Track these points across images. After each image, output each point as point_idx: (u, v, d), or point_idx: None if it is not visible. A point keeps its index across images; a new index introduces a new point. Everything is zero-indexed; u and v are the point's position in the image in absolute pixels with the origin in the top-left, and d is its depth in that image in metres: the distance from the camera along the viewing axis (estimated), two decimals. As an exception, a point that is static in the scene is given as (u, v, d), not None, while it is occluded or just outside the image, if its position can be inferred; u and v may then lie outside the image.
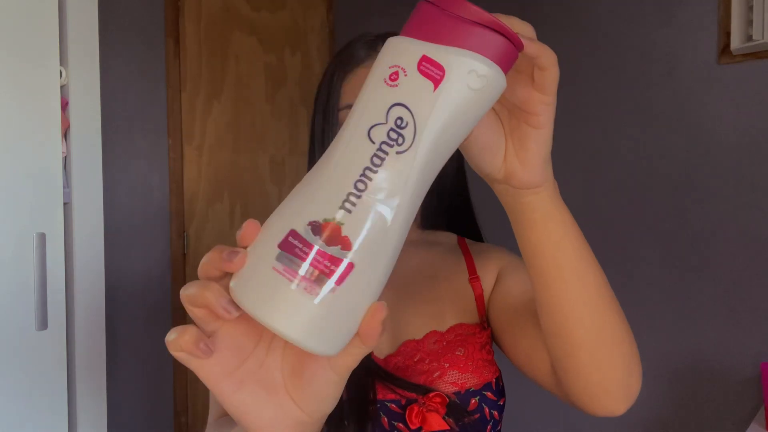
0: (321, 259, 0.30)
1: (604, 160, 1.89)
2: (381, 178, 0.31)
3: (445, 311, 0.70)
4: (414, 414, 0.63)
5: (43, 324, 1.17)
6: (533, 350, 0.61)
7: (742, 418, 1.58)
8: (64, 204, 1.25)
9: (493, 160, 0.43)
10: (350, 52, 0.70)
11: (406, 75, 0.32)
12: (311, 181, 0.33)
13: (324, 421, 0.38)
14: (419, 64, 0.32)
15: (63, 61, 1.24)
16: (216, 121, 2.32)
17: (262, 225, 0.33)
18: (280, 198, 2.47)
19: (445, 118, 0.32)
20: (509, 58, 0.34)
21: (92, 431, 1.30)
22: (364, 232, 0.31)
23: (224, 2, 2.33)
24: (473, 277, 0.72)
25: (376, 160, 0.31)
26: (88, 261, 1.29)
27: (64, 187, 1.23)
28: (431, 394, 0.63)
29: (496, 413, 0.66)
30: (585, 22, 1.92)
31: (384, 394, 0.64)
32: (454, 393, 0.65)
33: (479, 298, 0.71)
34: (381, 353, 0.68)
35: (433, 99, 0.31)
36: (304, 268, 0.30)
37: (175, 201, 2.20)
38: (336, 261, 0.30)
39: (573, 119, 1.93)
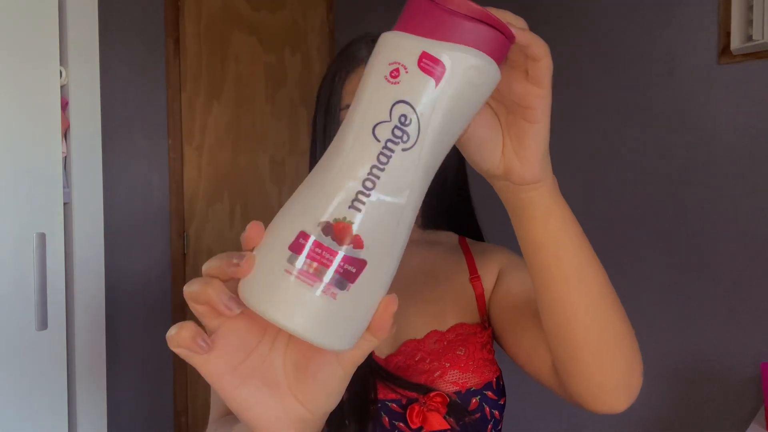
0: (335, 260, 0.30)
1: (604, 160, 1.89)
2: (388, 175, 0.31)
3: (446, 311, 0.70)
4: (415, 413, 0.63)
5: (43, 324, 1.17)
6: (534, 349, 0.61)
7: (742, 418, 1.58)
8: (64, 204, 1.25)
9: (491, 157, 0.43)
10: (352, 52, 0.70)
11: (407, 72, 0.32)
12: (316, 181, 0.33)
13: (325, 418, 0.38)
14: (419, 60, 0.32)
15: (63, 61, 1.24)
16: (216, 121, 2.32)
17: (265, 227, 0.33)
18: (280, 198, 2.48)
19: (447, 114, 0.32)
20: (503, 50, 0.34)
21: (92, 431, 1.30)
22: (375, 230, 0.31)
23: (224, 2, 2.33)
24: (474, 276, 0.72)
25: (383, 158, 0.31)
26: (88, 261, 1.29)
27: (64, 187, 1.23)
28: (432, 394, 0.63)
29: (496, 413, 0.66)
30: (585, 22, 1.92)
31: (385, 394, 0.64)
32: (454, 392, 0.65)
33: (480, 298, 0.71)
34: (382, 353, 0.68)
35: (435, 95, 0.32)
36: (320, 269, 0.30)
37: (175, 201, 2.20)
38: (350, 260, 0.31)
39: (573, 119, 1.93)
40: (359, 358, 0.35)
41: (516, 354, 0.66)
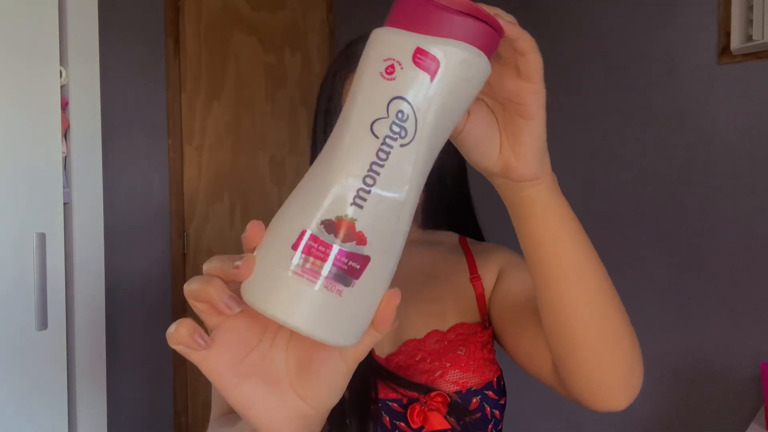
0: (340, 257, 0.31)
1: (604, 160, 1.89)
2: (388, 171, 0.32)
3: (447, 311, 0.70)
4: (415, 413, 0.63)
5: (43, 324, 1.17)
6: (535, 348, 0.61)
7: (742, 418, 1.58)
8: (64, 204, 1.25)
9: (488, 154, 0.43)
10: (352, 52, 0.70)
11: (402, 68, 0.32)
12: (315, 179, 0.33)
13: (327, 415, 0.38)
14: (414, 56, 0.32)
15: (63, 61, 1.24)
16: (216, 121, 2.32)
17: (265, 226, 0.33)
18: (280, 198, 2.48)
19: (441, 109, 0.33)
20: (493, 44, 0.35)
21: (92, 431, 1.30)
22: (376, 226, 0.31)
23: (224, 2, 2.33)
24: (474, 276, 0.72)
25: (382, 155, 0.32)
26: (88, 261, 1.29)
27: (64, 187, 1.23)
28: (433, 394, 0.63)
29: (497, 412, 0.66)
30: (585, 23, 1.92)
31: (386, 394, 0.64)
32: (455, 392, 0.65)
33: (480, 298, 0.71)
34: (382, 352, 0.68)
35: (430, 90, 0.32)
36: (324, 267, 0.30)
37: (175, 201, 2.20)
38: (354, 257, 0.31)
39: (573, 119, 1.93)
40: (362, 353, 0.35)
41: (516, 353, 0.66)
